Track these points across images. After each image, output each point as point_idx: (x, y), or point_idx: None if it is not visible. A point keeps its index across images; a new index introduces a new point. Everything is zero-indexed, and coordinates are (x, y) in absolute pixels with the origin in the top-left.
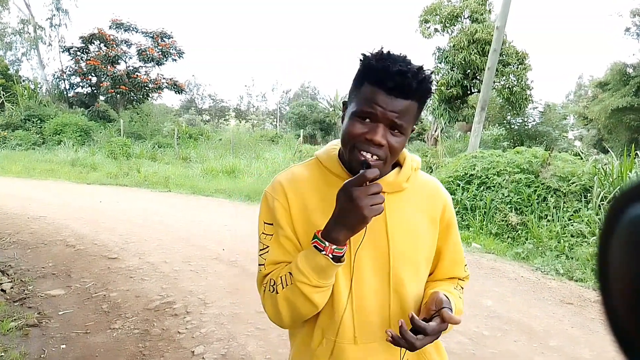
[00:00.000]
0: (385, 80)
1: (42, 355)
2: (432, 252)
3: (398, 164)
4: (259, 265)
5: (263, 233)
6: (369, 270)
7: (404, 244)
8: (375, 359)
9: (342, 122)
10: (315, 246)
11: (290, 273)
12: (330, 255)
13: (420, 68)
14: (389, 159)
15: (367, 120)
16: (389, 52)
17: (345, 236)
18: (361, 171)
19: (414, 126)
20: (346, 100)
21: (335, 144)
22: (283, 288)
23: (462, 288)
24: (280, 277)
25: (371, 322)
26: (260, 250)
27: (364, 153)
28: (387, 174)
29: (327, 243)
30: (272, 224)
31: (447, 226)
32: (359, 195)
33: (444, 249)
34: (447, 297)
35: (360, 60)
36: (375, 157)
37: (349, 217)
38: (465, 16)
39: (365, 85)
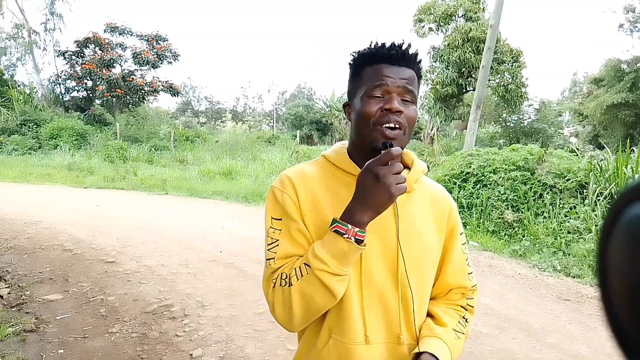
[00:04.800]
0: (387, 52)
1: None
2: (438, 257)
3: (407, 166)
4: (267, 260)
5: (271, 227)
6: (378, 269)
7: (413, 245)
8: None
9: (349, 119)
10: (336, 230)
11: (306, 264)
12: (353, 239)
13: (410, 44)
14: (408, 130)
15: (379, 95)
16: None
17: (370, 217)
18: (386, 149)
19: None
20: (347, 101)
21: (342, 144)
22: (298, 280)
23: (466, 320)
24: (295, 268)
25: (378, 323)
26: (269, 244)
27: (388, 125)
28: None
29: (349, 226)
30: (280, 219)
31: (451, 232)
32: (385, 174)
33: (449, 255)
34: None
35: (354, 56)
36: (397, 125)
37: (375, 197)
38: (460, 15)
39: (367, 69)
